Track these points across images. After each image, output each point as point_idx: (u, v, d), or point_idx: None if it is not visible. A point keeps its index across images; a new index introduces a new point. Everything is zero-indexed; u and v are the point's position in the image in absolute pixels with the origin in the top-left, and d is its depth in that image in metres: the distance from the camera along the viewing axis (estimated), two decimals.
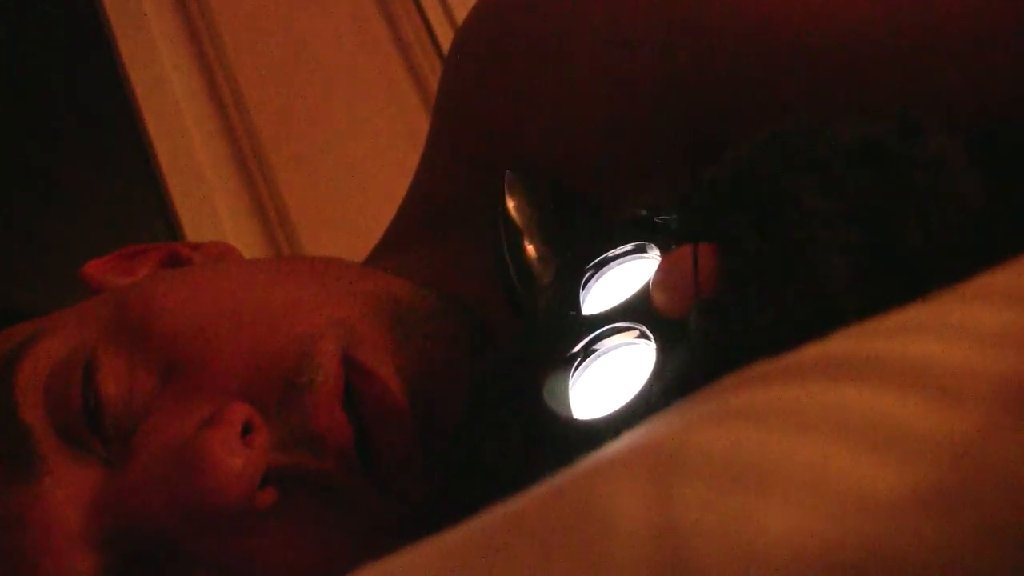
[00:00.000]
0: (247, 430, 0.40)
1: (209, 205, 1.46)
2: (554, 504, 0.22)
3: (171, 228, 1.44)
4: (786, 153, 0.33)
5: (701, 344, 0.31)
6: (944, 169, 0.31)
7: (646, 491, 0.21)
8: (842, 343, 0.24)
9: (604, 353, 0.37)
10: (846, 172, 0.32)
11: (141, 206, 1.48)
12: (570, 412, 0.35)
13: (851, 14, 0.42)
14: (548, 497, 0.22)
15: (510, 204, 0.47)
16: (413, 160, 0.58)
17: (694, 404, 0.24)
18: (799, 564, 0.18)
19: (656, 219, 0.38)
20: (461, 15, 1.52)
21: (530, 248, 0.46)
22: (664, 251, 0.38)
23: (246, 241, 1.44)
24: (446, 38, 1.55)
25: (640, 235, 0.39)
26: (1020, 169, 0.34)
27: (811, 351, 0.24)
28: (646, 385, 0.33)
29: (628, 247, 0.39)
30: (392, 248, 0.56)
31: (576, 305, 0.39)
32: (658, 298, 0.34)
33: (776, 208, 0.31)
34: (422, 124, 1.50)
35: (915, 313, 0.24)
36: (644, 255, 0.39)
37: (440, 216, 0.54)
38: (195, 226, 1.43)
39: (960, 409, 0.20)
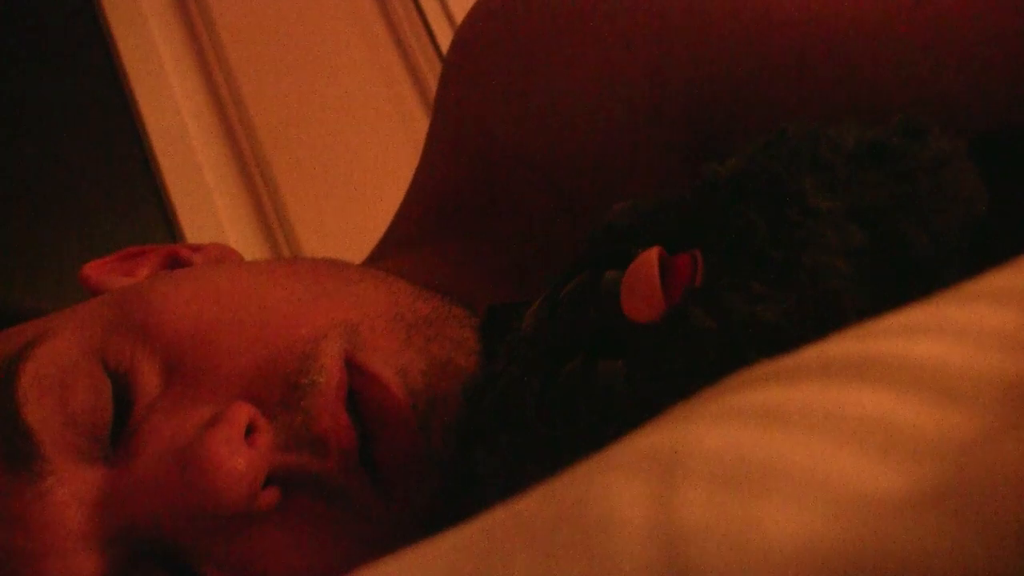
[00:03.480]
0: (250, 431, 0.40)
1: (208, 205, 1.46)
2: (554, 504, 0.22)
3: (170, 229, 1.44)
4: (789, 154, 0.33)
5: (699, 344, 0.31)
6: (947, 170, 0.31)
7: (646, 491, 0.21)
8: (843, 344, 0.24)
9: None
10: (849, 173, 0.32)
11: (140, 207, 1.48)
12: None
13: (850, 14, 0.42)
14: (548, 497, 0.22)
15: None
16: (412, 160, 0.58)
17: (694, 404, 0.24)
18: (800, 565, 0.18)
19: (635, 224, 0.38)
20: (460, 15, 1.52)
21: None
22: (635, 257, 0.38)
23: (245, 241, 1.44)
24: (445, 38, 1.55)
25: (619, 242, 0.39)
26: (1019, 172, 0.34)
27: (812, 352, 0.24)
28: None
29: (605, 256, 0.39)
30: (392, 249, 0.56)
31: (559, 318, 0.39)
32: (627, 303, 0.34)
33: (779, 209, 0.31)
34: (421, 124, 1.50)
35: (916, 314, 0.24)
36: (621, 262, 0.39)
37: (440, 216, 0.54)
38: (194, 227, 1.43)
39: (961, 410, 0.20)
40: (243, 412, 0.40)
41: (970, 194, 0.31)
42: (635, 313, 0.34)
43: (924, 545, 0.17)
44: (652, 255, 0.33)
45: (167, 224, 1.45)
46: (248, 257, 0.57)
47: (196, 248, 0.54)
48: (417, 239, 0.55)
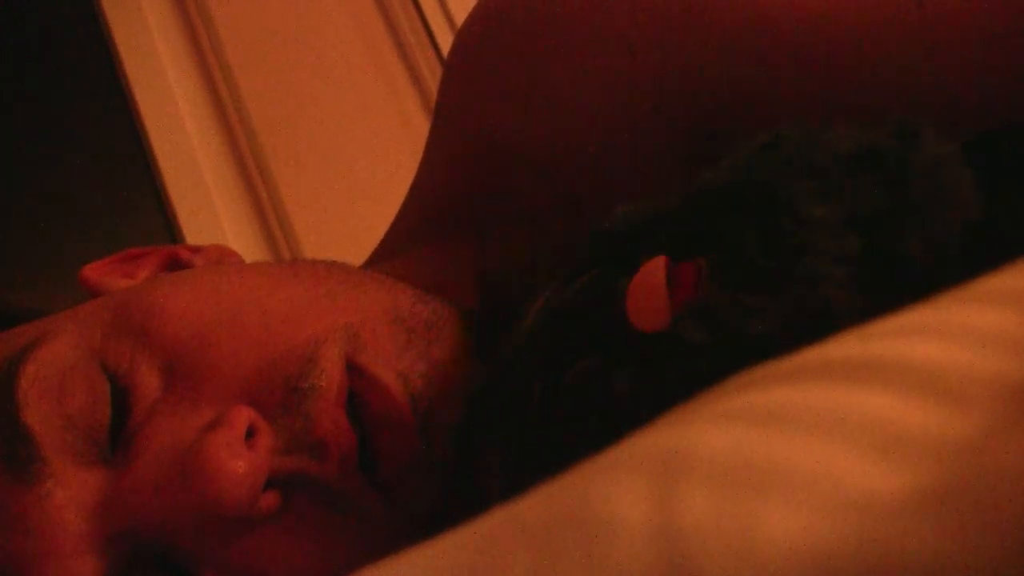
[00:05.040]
0: (250, 434, 0.40)
1: (208, 205, 1.46)
2: (555, 505, 0.22)
3: (170, 230, 1.44)
4: (783, 158, 0.33)
5: (695, 353, 0.31)
6: (942, 174, 0.31)
7: (647, 492, 0.21)
8: (843, 345, 0.24)
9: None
10: (843, 178, 0.32)
11: (140, 207, 1.48)
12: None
13: (851, 14, 0.42)
14: (549, 498, 0.23)
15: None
16: (412, 162, 0.58)
17: (695, 406, 0.24)
18: (800, 566, 0.18)
19: (637, 229, 0.38)
20: (460, 16, 1.52)
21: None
22: (644, 262, 0.37)
23: (245, 243, 1.44)
24: (445, 39, 1.55)
25: (622, 246, 0.39)
26: (1019, 172, 0.34)
27: (813, 353, 0.24)
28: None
29: (608, 259, 0.39)
30: (393, 251, 0.56)
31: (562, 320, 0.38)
32: (632, 312, 0.34)
33: (773, 215, 0.31)
34: (421, 126, 1.50)
35: (916, 315, 0.24)
36: (626, 267, 0.39)
37: (441, 218, 0.54)
38: (194, 228, 1.43)
39: (961, 411, 0.20)
40: (243, 415, 0.40)
41: (964, 198, 0.31)
42: (640, 322, 0.33)
43: (925, 545, 0.17)
44: (659, 264, 0.33)
45: (167, 224, 1.45)
46: (248, 258, 0.57)
47: (196, 249, 0.54)
48: (418, 241, 0.55)
